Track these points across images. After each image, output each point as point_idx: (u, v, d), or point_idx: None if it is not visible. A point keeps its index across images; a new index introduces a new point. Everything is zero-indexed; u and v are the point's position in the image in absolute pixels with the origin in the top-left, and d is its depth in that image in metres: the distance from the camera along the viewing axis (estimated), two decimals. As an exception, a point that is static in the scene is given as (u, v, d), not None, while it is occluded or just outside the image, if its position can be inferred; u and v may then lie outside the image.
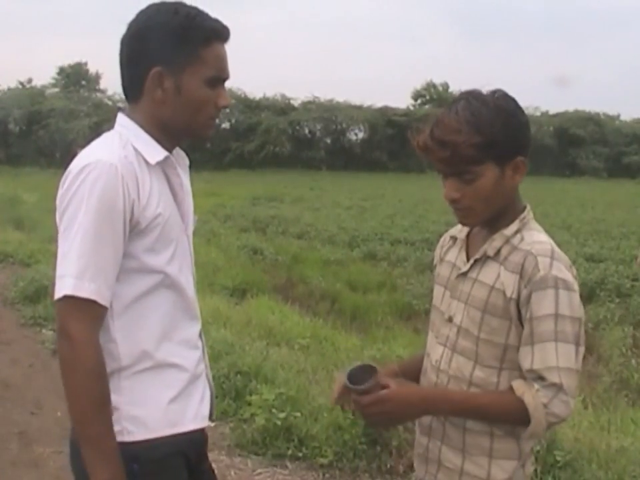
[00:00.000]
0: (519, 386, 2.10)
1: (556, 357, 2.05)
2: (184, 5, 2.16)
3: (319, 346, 7.94)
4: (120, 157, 2.05)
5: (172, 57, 2.10)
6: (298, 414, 5.24)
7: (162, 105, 2.13)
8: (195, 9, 2.16)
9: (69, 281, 1.98)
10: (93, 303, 1.99)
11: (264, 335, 7.97)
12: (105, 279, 2.01)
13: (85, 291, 1.98)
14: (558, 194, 38.03)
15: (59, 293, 2.00)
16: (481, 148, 2.08)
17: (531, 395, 2.06)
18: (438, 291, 2.41)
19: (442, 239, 2.54)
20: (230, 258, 14.40)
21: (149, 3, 2.18)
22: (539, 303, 2.07)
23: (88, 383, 2.00)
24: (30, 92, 64.85)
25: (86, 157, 2.06)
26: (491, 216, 2.22)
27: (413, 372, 2.47)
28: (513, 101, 2.18)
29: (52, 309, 8.78)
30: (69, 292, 1.98)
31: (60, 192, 2.07)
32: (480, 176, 2.12)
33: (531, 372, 2.08)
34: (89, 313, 2.00)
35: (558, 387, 2.05)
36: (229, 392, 5.84)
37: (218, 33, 2.17)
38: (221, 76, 2.18)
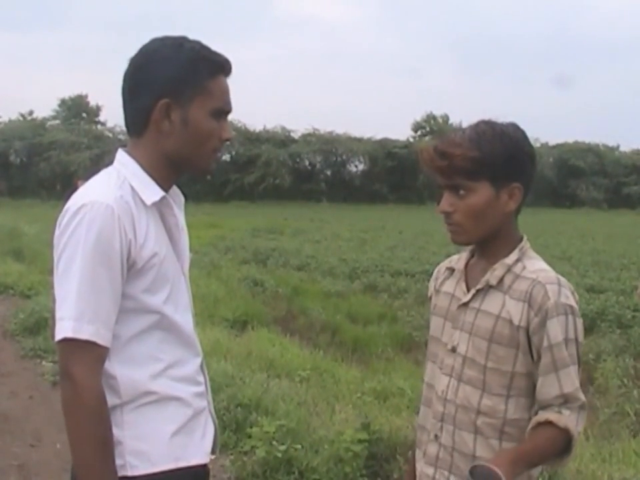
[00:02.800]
0: (558, 418, 2.13)
1: (577, 378, 2.15)
2: (188, 40, 2.18)
3: (319, 378, 7.92)
4: (116, 197, 2.06)
5: (179, 89, 2.12)
6: (299, 446, 5.22)
7: (168, 137, 2.14)
8: (199, 43, 2.19)
9: (68, 323, 2.00)
10: (92, 344, 2.00)
11: (264, 367, 7.95)
12: (104, 320, 2.03)
13: (84, 333, 1.99)
14: (558, 225, 38.10)
15: (58, 336, 2.01)
16: (476, 163, 2.15)
17: (569, 423, 2.12)
18: (437, 322, 2.43)
19: (436, 271, 2.59)
20: (230, 290, 14.36)
21: (151, 38, 2.20)
22: (554, 330, 2.13)
23: (90, 425, 2.00)
24: (31, 124, 65.23)
25: (82, 196, 2.07)
26: (481, 238, 2.27)
27: None
28: (522, 132, 2.26)
29: (52, 341, 8.76)
30: (68, 334, 1.99)
31: (57, 231, 2.09)
32: (473, 192, 2.18)
33: (561, 397, 2.14)
34: (90, 354, 2.01)
35: (582, 405, 2.15)
36: (230, 424, 5.82)
37: (222, 66, 2.20)
38: (225, 108, 2.21)
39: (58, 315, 2.03)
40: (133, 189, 2.12)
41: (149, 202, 2.13)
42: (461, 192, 2.19)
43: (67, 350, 2.02)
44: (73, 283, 2.01)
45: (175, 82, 2.12)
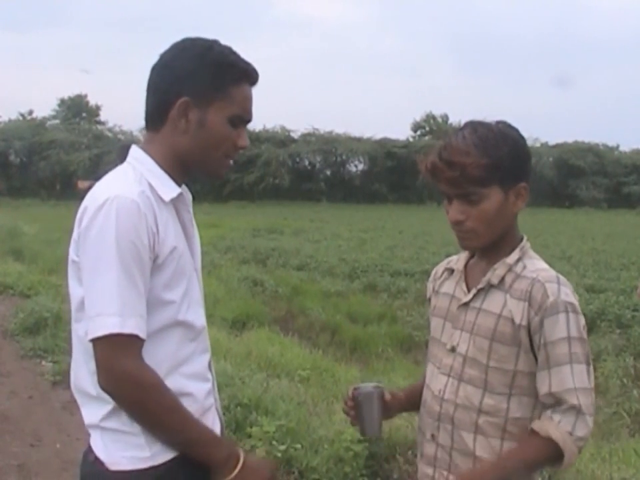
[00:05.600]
0: (540, 426, 2.13)
1: (572, 378, 2.11)
2: (219, 44, 2.19)
3: (319, 378, 7.92)
4: (139, 192, 2.05)
5: (201, 90, 2.12)
6: (298, 446, 5.21)
7: (182, 136, 2.15)
8: (229, 48, 2.19)
9: (112, 319, 1.97)
10: (135, 337, 1.99)
11: (264, 366, 7.94)
12: (141, 314, 2.02)
13: (129, 327, 1.98)
14: (558, 225, 38.09)
15: (99, 332, 1.98)
16: (488, 170, 2.14)
17: (556, 430, 2.10)
18: (437, 322, 2.43)
19: (434, 272, 2.58)
20: (230, 289, 14.37)
21: (183, 37, 2.21)
22: (552, 328, 2.12)
23: (167, 413, 2.03)
24: (31, 124, 65.33)
25: (103, 192, 2.05)
26: (492, 241, 2.26)
27: (417, 399, 2.51)
28: (516, 130, 2.26)
29: (52, 340, 8.76)
30: (115, 330, 1.96)
31: (77, 230, 2.06)
32: (485, 198, 2.17)
33: (549, 396, 2.13)
34: (133, 347, 2.00)
35: (577, 409, 2.10)
36: (229, 424, 5.80)
37: (249, 74, 2.20)
38: (244, 116, 2.21)
39: (93, 311, 2.00)
40: (150, 185, 2.12)
41: (167, 198, 2.13)
42: (473, 199, 2.18)
43: (111, 346, 1.99)
44: (110, 277, 1.98)
45: (197, 82, 2.13)
